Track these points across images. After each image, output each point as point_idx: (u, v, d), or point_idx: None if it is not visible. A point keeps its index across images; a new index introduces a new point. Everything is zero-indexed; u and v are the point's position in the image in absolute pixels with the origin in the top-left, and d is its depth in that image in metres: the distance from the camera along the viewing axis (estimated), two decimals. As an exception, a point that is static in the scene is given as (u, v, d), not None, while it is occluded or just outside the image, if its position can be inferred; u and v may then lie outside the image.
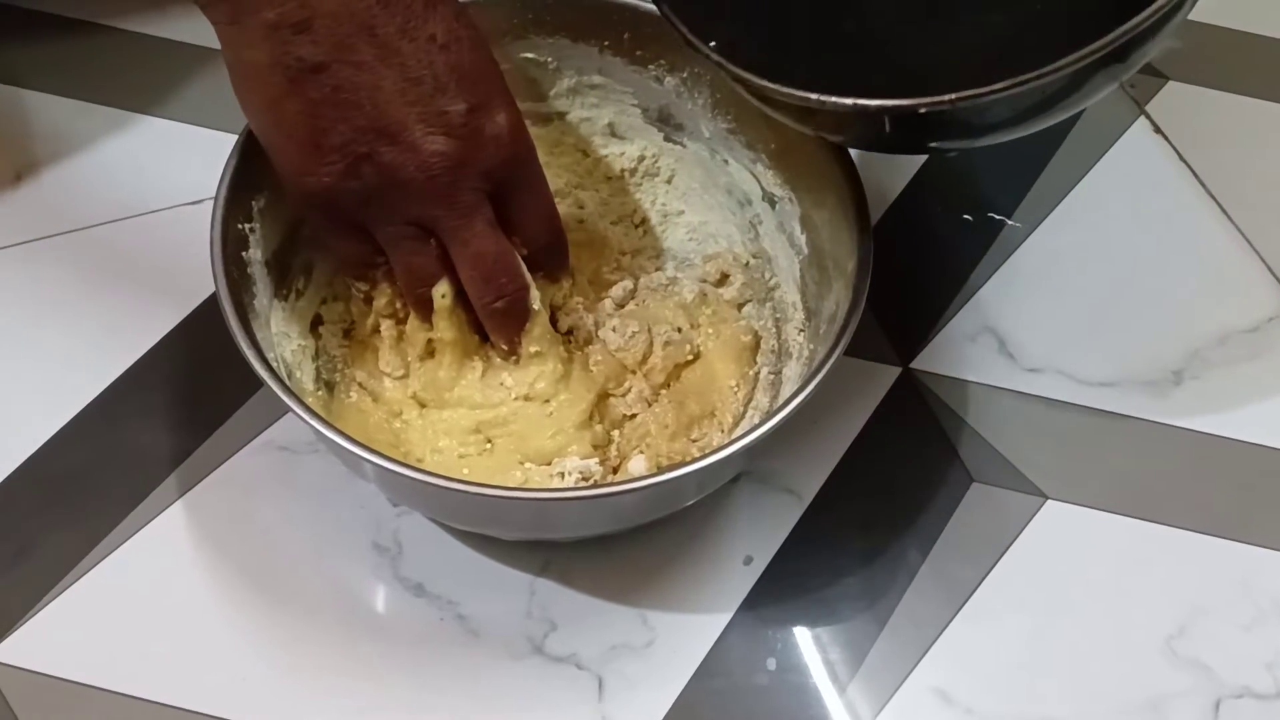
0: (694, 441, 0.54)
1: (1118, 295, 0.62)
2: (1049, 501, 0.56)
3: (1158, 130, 0.67)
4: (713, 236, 0.59)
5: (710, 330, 0.57)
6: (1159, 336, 0.61)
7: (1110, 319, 0.61)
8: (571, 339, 0.54)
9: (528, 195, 0.49)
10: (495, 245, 0.48)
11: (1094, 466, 0.57)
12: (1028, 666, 0.52)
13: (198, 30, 0.66)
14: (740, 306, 0.58)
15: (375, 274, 0.51)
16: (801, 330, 0.55)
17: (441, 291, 0.49)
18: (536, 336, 0.51)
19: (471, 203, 0.47)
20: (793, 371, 0.54)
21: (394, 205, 0.47)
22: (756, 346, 0.57)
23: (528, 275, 0.50)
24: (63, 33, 0.66)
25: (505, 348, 0.51)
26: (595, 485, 0.50)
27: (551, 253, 0.52)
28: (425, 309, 0.50)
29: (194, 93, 0.64)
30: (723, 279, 0.58)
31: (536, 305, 0.51)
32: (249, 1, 0.43)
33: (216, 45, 0.64)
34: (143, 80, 0.65)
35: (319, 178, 0.46)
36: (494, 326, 0.51)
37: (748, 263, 0.57)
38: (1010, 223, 0.64)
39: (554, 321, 0.53)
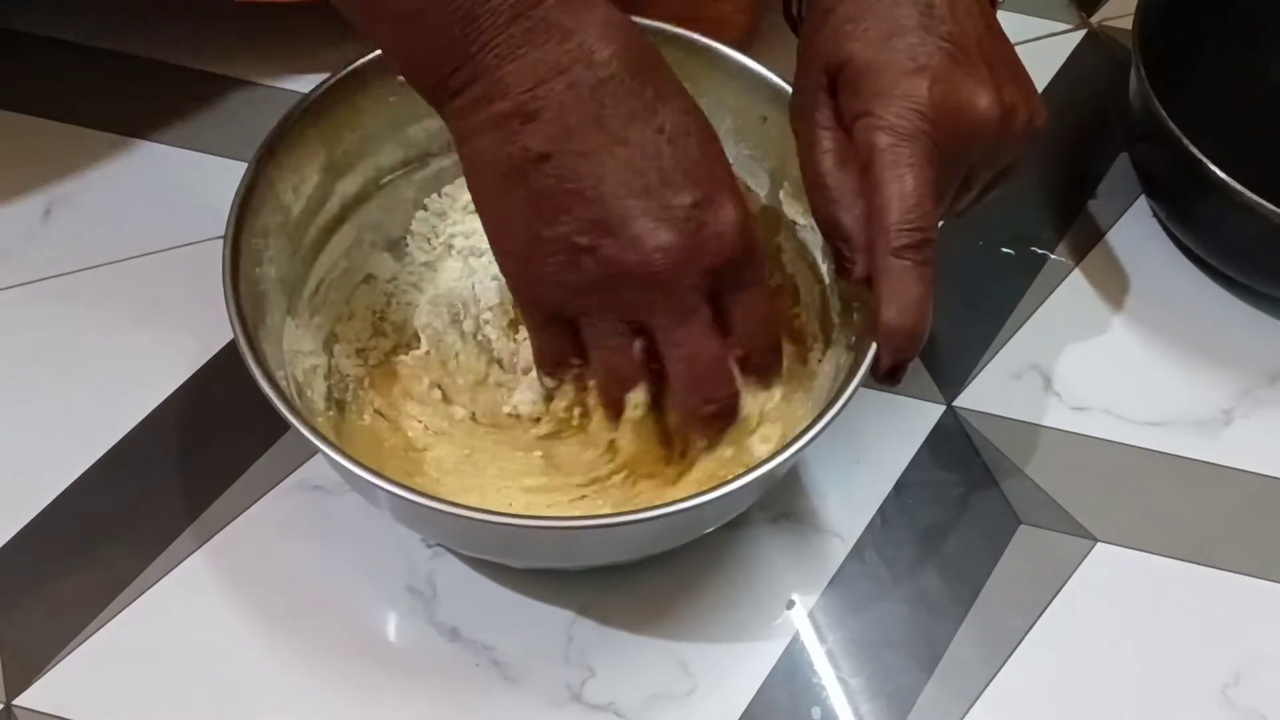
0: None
1: (1165, 331, 0.61)
2: (1098, 544, 0.55)
3: (1203, 162, 0.66)
4: None
5: None
6: (1208, 374, 0.60)
7: (1158, 356, 0.60)
8: None
9: (748, 296, 0.46)
10: (711, 349, 0.45)
11: (1144, 508, 0.56)
12: (1080, 716, 0.51)
13: (231, 62, 0.66)
14: None
15: (567, 374, 0.49)
16: (821, 360, 0.54)
17: (636, 401, 0.47)
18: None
19: (692, 303, 0.44)
20: (814, 400, 0.53)
21: (609, 302, 0.44)
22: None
23: (739, 380, 0.47)
24: (94, 64, 0.66)
25: (703, 444, 0.49)
26: (610, 515, 0.49)
27: (765, 355, 0.48)
28: (615, 411, 0.48)
29: (228, 126, 0.64)
30: None
31: (745, 412, 0.48)
32: (487, 94, 0.42)
33: (250, 78, 0.66)
34: (175, 113, 0.64)
35: (539, 268, 0.44)
36: (698, 428, 0.48)
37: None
38: (1053, 257, 0.63)
39: None
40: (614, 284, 0.44)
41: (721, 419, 0.48)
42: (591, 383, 0.49)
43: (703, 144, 0.44)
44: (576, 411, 0.51)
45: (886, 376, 0.47)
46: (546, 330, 0.47)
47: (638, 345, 0.46)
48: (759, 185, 0.55)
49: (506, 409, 0.53)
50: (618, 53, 0.42)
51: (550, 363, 0.49)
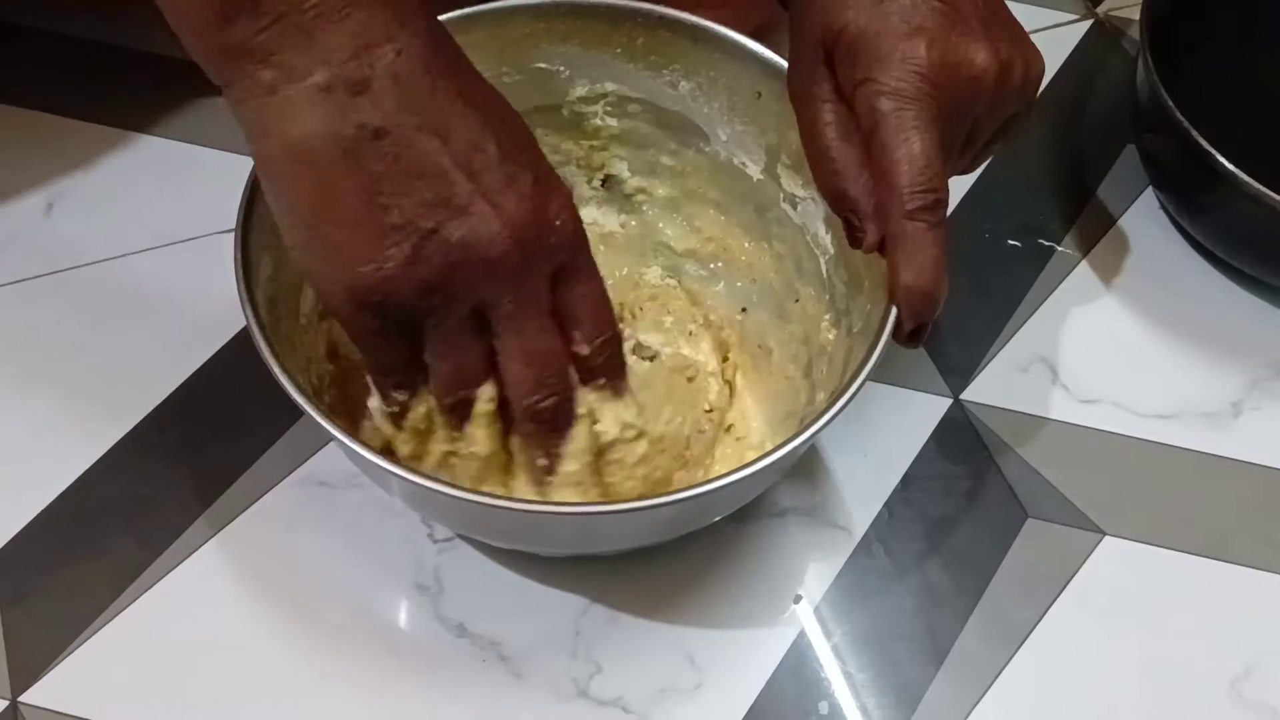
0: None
1: (1174, 323, 0.61)
2: (1106, 537, 0.54)
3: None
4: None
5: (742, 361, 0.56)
6: (1217, 366, 0.59)
7: (1166, 348, 0.60)
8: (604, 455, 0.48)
9: (585, 284, 0.44)
10: (552, 341, 0.43)
11: (1152, 501, 0.56)
12: (1089, 710, 0.50)
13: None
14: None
15: (414, 384, 0.44)
16: (833, 330, 0.53)
17: (489, 395, 0.44)
18: (577, 452, 0.45)
19: (537, 289, 0.42)
20: (827, 375, 0.53)
21: (456, 292, 0.41)
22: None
23: (575, 377, 0.45)
24: (95, 58, 0.65)
25: (543, 462, 0.46)
26: (625, 502, 0.48)
27: (609, 355, 0.45)
28: (459, 416, 0.45)
29: (229, 120, 0.63)
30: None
31: (582, 410, 0.45)
32: (298, 64, 0.38)
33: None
34: (176, 107, 0.64)
35: (380, 264, 0.40)
36: (533, 433, 0.45)
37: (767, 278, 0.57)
38: (1060, 249, 0.63)
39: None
40: (461, 271, 0.40)
41: (560, 419, 0.45)
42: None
43: (523, 125, 0.43)
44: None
45: (909, 339, 0.46)
46: (384, 341, 0.42)
47: (483, 339, 0.43)
48: (755, 160, 0.55)
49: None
50: (429, 26, 0.40)
51: (396, 375, 0.44)
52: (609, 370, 0.45)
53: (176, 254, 0.60)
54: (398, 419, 0.46)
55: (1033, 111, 0.48)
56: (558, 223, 0.42)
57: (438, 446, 0.46)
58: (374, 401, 0.46)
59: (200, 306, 0.57)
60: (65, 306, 0.58)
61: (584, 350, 0.44)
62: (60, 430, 0.54)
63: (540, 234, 0.41)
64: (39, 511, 0.52)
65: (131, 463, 0.54)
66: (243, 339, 0.56)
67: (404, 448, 0.46)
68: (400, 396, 0.45)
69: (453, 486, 0.44)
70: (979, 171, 0.64)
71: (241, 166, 0.49)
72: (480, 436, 0.45)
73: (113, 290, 0.58)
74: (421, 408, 0.45)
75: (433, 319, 0.42)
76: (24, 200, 0.61)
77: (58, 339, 0.57)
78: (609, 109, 0.56)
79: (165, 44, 0.65)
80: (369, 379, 0.45)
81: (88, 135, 0.63)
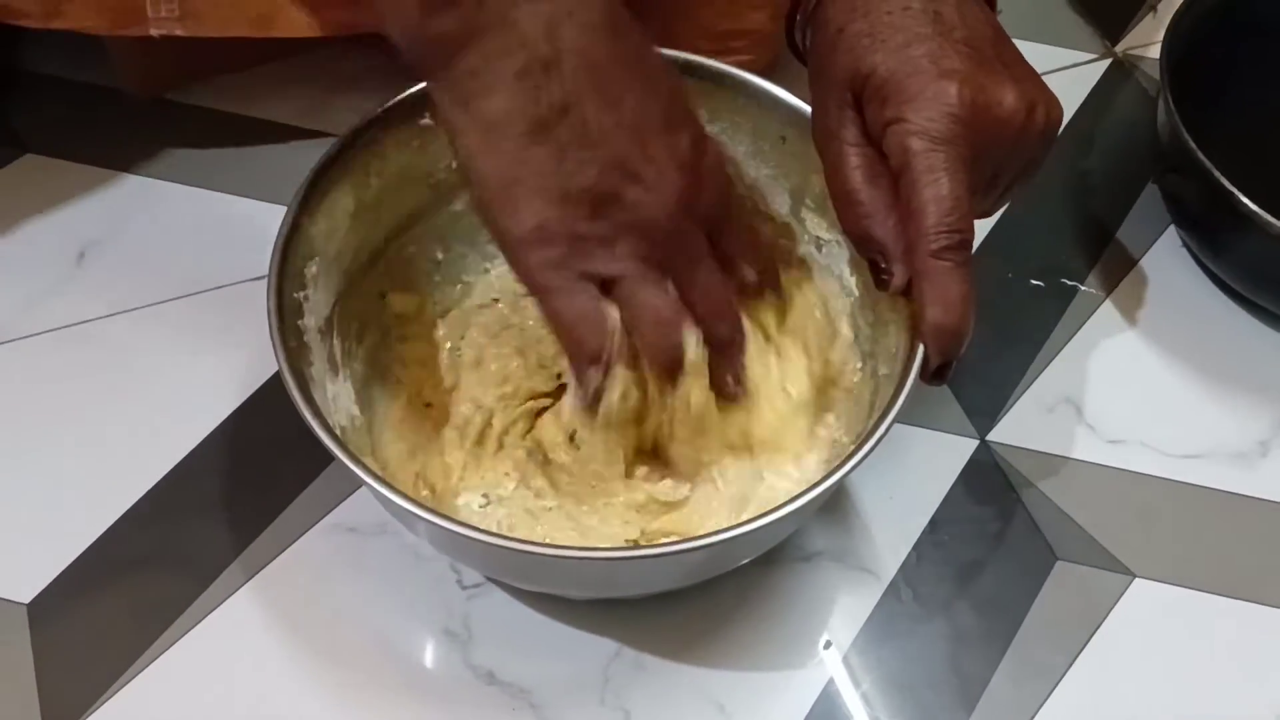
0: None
1: (1199, 363, 0.60)
2: (1137, 579, 0.54)
3: (1233, 191, 0.66)
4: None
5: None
6: (1244, 405, 0.59)
7: (1192, 388, 0.60)
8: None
9: (739, 226, 0.48)
10: (724, 281, 0.47)
11: (1182, 542, 0.55)
12: (1122, 755, 0.50)
13: (260, 106, 0.66)
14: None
15: (609, 341, 0.45)
16: (858, 373, 0.54)
17: (694, 340, 0.46)
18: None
19: (700, 241, 0.45)
20: (853, 417, 0.53)
21: (634, 248, 0.44)
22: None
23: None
24: (123, 108, 0.66)
25: (732, 384, 0.49)
26: (648, 547, 0.49)
27: (768, 274, 0.50)
28: (673, 365, 0.46)
29: (257, 169, 0.64)
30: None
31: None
32: (496, 48, 0.41)
33: (278, 118, 0.67)
34: (205, 156, 0.65)
35: (568, 225, 0.43)
36: (722, 363, 0.48)
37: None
38: (1084, 288, 0.63)
39: None
40: (638, 230, 0.44)
41: (739, 348, 0.48)
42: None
43: (679, 85, 0.46)
44: (635, 397, 0.47)
45: (934, 377, 0.47)
46: (575, 294, 0.44)
47: (671, 285, 0.45)
48: (780, 204, 0.56)
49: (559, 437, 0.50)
50: (603, 1, 0.43)
51: (590, 328, 0.45)
52: (772, 283, 0.51)
53: (206, 302, 0.60)
54: (593, 404, 0.47)
55: (1048, 158, 0.49)
56: (711, 178, 0.46)
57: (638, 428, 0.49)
58: (569, 398, 0.48)
59: (229, 355, 0.58)
60: (96, 355, 0.58)
61: (750, 278, 0.49)
62: (92, 479, 0.55)
63: (697, 195, 0.45)
64: (71, 561, 0.53)
65: (162, 512, 0.54)
66: (271, 387, 0.57)
67: (600, 446, 0.49)
68: (596, 376, 0.46)
69: (478, 530, 0.44)
70: (1000, 212, 0.65)
71: (269, 215, 0.50)
72: (697, 386, 0.47)
73: (143, 339, 0.59)
74: (616, 391, 0.46)
75: (615, 273, 0.44)
76: (56, 249, 0.61)
77: (89, 388, 0.57)
78: None
79: (194, 94, 0.67)
80: (567, 367, 0.47)
81: (119, 185, 0.64)
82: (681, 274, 0.45)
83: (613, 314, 0.45)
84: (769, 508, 0.45)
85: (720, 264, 0.47)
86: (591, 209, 0.43)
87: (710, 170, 0.46)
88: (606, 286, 0.45)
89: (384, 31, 0.43)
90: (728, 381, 0.49)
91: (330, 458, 0.44)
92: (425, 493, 0.51)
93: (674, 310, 0.45)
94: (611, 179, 0.43)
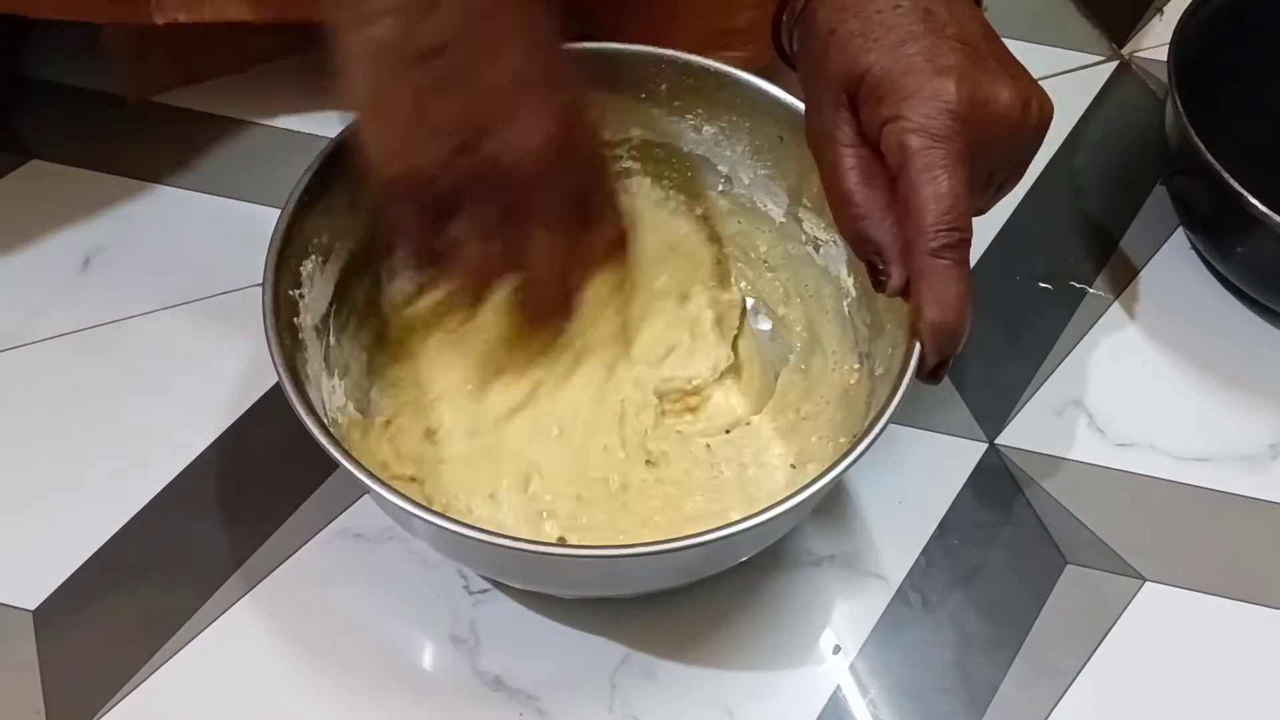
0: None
1: (1209, 365, 0.60)
2: (1147, 583, 0.54)
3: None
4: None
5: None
6: (1253, 408, 0.59)
7: (1201, 390, 0.60)
8: None
9: (604, 187, 0.50)
10: (569, 245, 0.48)
11: (1192, 546, 0.55)
12: (1133, 760, 0.50)
13: (264, 109, 0.66)
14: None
15: (435, 270, 0.50)
16: (855, 373, 0.53)
17: (510, 283, 0.49)
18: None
19: (555, 197, 0.47)
20: (850, 417, 0.52)
21: (483, 194, 0.46)
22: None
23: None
24: (128, 113, 0.66)
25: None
26: (650, 544, 0.48)
27: (616, 245, 0.52)
28: (479, 294, 0.50)
29: (261, 173, 0.64)
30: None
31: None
32: None
33: (283, 125, 0.67)
34: (210, 160, 0.65)
35: (422, 161, 0.45)
36: (540, 320, 0.51)
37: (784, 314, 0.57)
38: (1091, 291, 0.63)
39: None
40: (487, 178, 0.45)
41: (569, 307, 0.50)
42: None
43: (566, 55, 0.47)
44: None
45: (930, 375, 0.47)
46: (413, 224, 0.47)
47: (507, 237, 0.47)
48: (778, 203, 0.55)
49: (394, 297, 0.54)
50: None
51: (424, 258, 0.49)
52: (618, 256, 0.52)
53: (211, 308, 0.60)
54: (410, 298, 0.52)
55: (1047, 158, 0.48)
56: (583, 143, 0.47)
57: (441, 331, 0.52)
58: (395, 284, 0.53)
59: (233, 361, 0.58)
60: (101, 362, 0.58)
61: (598, 244, 0.50)
62: (97, 486, 0.55)
63: (568, 154, 0.46)
64: (77, 568, 0.53)
65: (167, 519, 0.54)
66: (276, 392, 0.56)
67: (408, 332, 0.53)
68: (419, 277, 0.51)
69: (479, 530, 0.44)
70: (1007, 215, 0.65)
71: (273, 219, 0.49)
72: (491, 321, 0.50)
73: (148, 345, 0.59)
74: (434, 295, 0.51)
75: (462, 212, 0.46)
76: (61, 255, 0.61)
77: (94, 394, 0.57)
78: (633, 153, 0.56)
79: (197, 98, 0.67)
80: (396, 257, 0.52)
81: (124, 190, 0.64)
82: (537, 219, 0.47)
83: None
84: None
85: (579, 221, 0.48)
86: (452, 150, 0.45)
87: (584, 134, 0.47)
88: (445, 217, 0.47)
89: None
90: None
91: (335, 463, 0.44)
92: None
93: (495, 257, 0.48)
94: (477, 120, 0.44)
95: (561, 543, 0.50)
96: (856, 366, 0.53)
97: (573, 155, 0.46)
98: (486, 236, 0.47)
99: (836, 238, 0.54)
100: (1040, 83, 0.47)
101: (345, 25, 0.44)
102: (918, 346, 0.45)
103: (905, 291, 0.46)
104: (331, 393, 0.51)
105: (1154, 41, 0.72)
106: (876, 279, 0.47)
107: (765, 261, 0.58)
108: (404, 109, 0.44)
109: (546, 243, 0.48)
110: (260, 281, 0.59)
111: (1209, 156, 0.57)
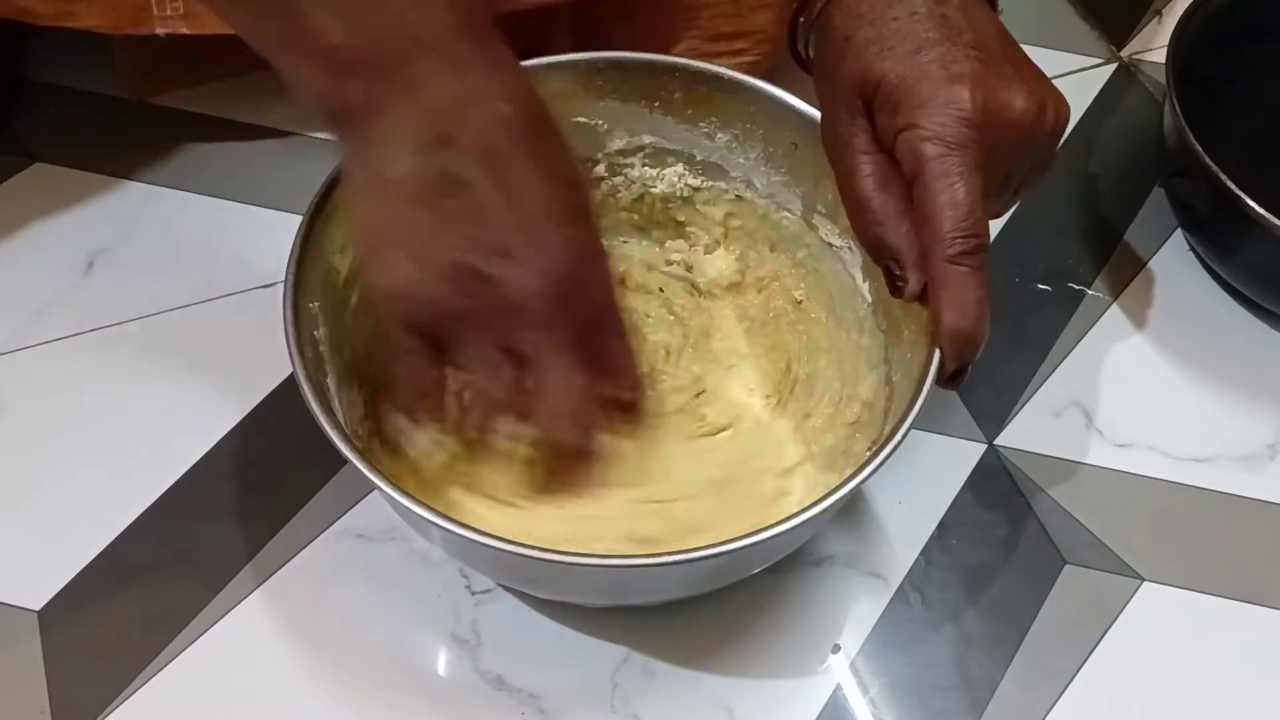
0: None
1: (1207, 366, 0.60)
2: (1145, 583, 0.54)
3: (1239, 194, 0.66)
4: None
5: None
6: (1252, 409, 0.59)
7: (1200, 391, 0.60)
8: None
9: (618, 336, 0.47)
10: (581, 386, 0.45)
11: (1191, 546, 0.55)
12: (1132, 759, 0.50)
13: (270, 113, 0.66)
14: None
15: (427, 405, 0.48)
16: (871, 379, 0.53)
17: (508, 432, 0.47)
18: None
19: (574, 336, 0.45)
20: (867, 423, 0.53)
21: (491, 326, 0.44)
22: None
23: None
24: (132, 116, 0.66)
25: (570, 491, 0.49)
26: (658, 555, 0.48)
27: (636, 402, 0.49)
28: (480, 432, 0.48)
29: (264, 175, 0.64)
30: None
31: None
32: (399, 118, 0.42)
33: (285, 125, 0.67)
34: (215, 164, 0.65)
35: (430, 290, 0.43)
36: (563, 468, 0.48)
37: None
38: (1090, 292, 0.63)
39: None
40: (505, 310, 0.44)
41: (588, 456, 0.48)
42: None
43: (585, 190, 0.46)
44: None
45: (949, 381, 0.47)
46: (416, 359, 0.46)
47: (509, 373, 0.45)
48: (792, 209, 0.56)
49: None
50: (524, 94, 0.44)
51: (417, 392, 0.47)
52: (634, 414, 0.50)
53: (215, 310, 0.60)
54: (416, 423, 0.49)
55: (1056, 157, 0.49)
56: (594, 282, 0.45)
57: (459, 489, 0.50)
58: (401, 420, 0.50)
59: (238, 361, 0.58)
60: (106, 363, 0.58)
61: (609, 392, 0.48)
62: (102, 486, 0.55)
63: (577, 290, 0.44)
64: (82, 568, 0.53)
65: (172, 519, 0.54)
66: (279, 394, 0.57)
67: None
68: (411, 420, 0.49)
69: (493, 537, 0.44)
70: (1006, 217, 0.65)
71: (279, 222, 0.50)
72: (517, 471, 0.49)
73: (152, 347, 0.59)
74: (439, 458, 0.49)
75: (465, 344, 0.45)
76: (65, 258, 0.62)
77: (99, 396, 0.58)
78: (647, 161, 0.57)
79: (202, 102, 0.68)
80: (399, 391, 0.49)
81: (127, 193, 0.64)
82: (542, 360, 0.45)
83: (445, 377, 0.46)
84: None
85: (589, 370, 0.46)
86: (461, 284, 0.43)
87: (596, 275, 0.45)
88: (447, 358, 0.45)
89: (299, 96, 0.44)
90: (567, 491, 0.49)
91: (339, 464, 0.44)
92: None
93: (500, 395, 0.46)
94: (485, 257, 0.43)
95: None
96: (873, 372, 0.53)
97: (582, 295, 0.45)
98: (484, 372, 0.45)
99: (852, 243, 0.54)
100: (1051, 85, 0.47)
101: (361, 164, 0.44)
102: (937, 352, 0.46)
103: (922, 296, 0.46)
104: (350, 405, 0.51)
105: (1152, 43, 0.73)
106: (893, 284, 0.47)
107: (779, 265, 0.58)
108: (420, 236, 0.43)
109: (554, 388, 0.45)
110: (266, 283, 0.60)
111: (1206, 158, 0.57)
